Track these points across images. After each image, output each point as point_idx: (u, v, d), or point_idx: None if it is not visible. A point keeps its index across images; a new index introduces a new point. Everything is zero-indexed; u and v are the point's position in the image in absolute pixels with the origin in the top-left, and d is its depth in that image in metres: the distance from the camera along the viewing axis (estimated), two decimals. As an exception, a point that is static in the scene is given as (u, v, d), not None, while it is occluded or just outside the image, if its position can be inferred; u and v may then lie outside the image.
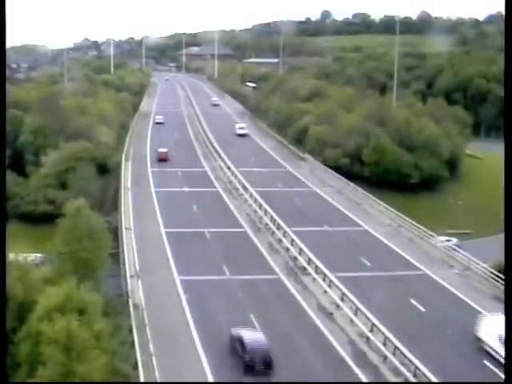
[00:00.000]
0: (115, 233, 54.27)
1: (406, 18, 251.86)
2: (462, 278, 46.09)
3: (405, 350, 32.67)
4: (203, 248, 51.33)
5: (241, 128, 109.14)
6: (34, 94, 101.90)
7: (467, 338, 36.36)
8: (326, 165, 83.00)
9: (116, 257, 52.45)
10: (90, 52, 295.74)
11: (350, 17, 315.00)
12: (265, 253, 50.50)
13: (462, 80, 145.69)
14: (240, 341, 32.95)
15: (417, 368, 31.26)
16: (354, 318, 37.64)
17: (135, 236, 52.84)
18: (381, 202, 64.82)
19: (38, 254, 49.28)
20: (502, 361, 30.72)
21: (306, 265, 46.44)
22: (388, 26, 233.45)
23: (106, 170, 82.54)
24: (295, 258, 48.38)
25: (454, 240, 70.60)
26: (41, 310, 30.72)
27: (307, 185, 74.67)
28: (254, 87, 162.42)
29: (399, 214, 60.45)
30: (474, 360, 34.10)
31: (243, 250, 51.44)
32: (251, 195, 65.65)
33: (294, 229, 53.53)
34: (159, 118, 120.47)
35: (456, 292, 43.20)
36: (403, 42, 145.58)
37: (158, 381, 30.56)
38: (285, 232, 53.07)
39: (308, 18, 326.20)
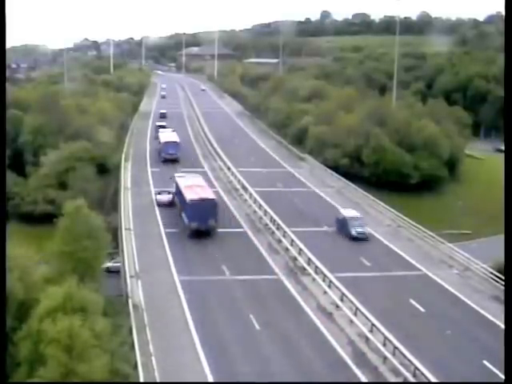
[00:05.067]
0: (115, 233, 54.31)
1: (405, 18, 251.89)
2: (461, 279, 46.07)
3: (404, 350, 32.70)
4: (203, 248, 51.30)
5: None
6: (34, 94, 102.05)
7: (467, 338, 36.50)
8: (325, 165, 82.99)
9: (116, 257, 52.58)
10: (89, 52, 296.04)
11: (350, 17, 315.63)
12: (264, 253, 50.48)
13: (462, 80, 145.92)
14: None
15: (416, 368, 31.28)
16: (353, 318, 37.65)
17: (135, 236, 52.79)
18: (380, 203, 64.80)
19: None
20: None
21: (305, 265, 46.42)
22: (388, 26, 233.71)
23: (106, 169, 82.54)
24: (295, 259, 48.37)
25: None
26: (42, 310, 30.72)
27: (307, 185, 74.58)
28: None
29: (399, 214, 60.43)
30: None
31: (243, 250, 51.40)
32: (251, 195, 65.61)
33: (294, 229, 53.48)
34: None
35: (456, 292, 43.17)
36: (403, 42, 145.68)
37: (158, 381, 30.61)
38: (284, 232, 53.02)
39: (308, 18, 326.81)
